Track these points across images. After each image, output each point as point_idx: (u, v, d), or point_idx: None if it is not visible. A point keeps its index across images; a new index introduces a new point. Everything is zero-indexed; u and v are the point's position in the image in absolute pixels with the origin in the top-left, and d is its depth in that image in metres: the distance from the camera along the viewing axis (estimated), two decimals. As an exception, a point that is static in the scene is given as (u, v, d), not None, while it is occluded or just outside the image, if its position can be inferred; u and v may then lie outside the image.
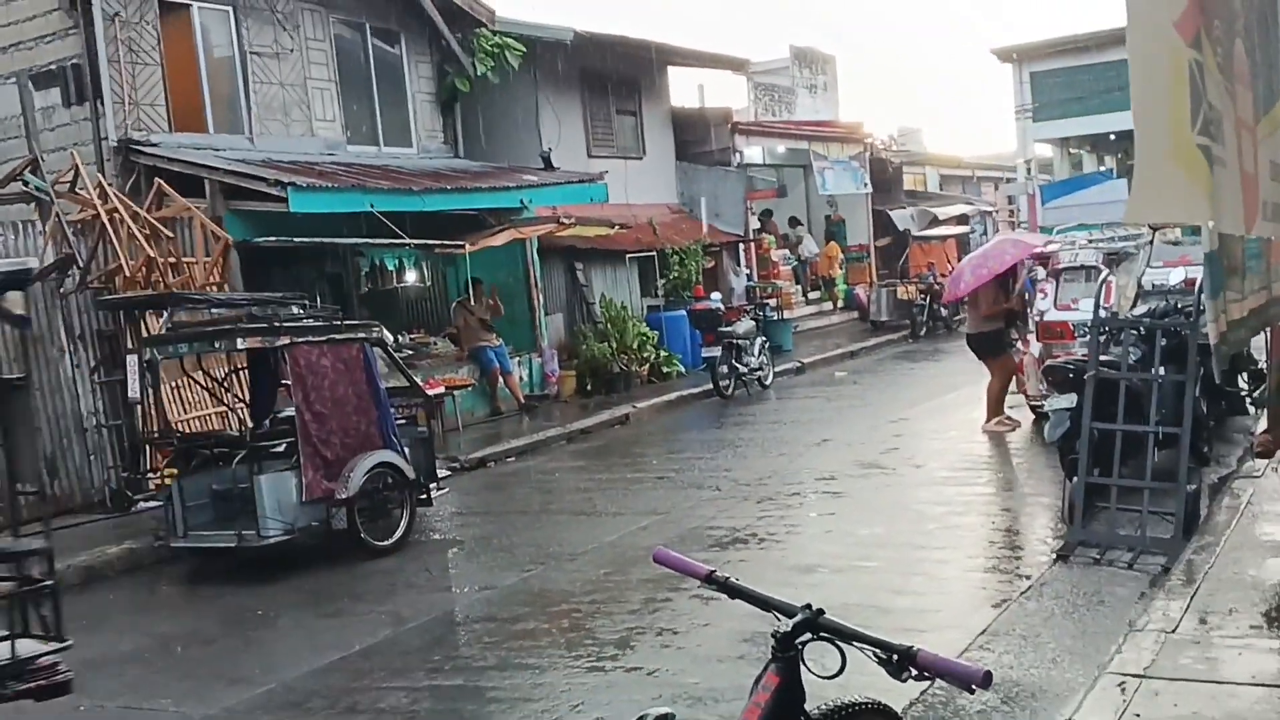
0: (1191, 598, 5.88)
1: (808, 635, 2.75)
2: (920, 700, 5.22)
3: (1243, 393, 10.46)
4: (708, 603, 7.11)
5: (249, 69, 15.00)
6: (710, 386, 16.72)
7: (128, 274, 11.56)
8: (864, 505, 9.67)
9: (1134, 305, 10.09)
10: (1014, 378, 12.37)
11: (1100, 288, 8.67)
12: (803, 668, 2.76)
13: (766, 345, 18.13)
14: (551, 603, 7.72)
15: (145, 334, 11.06)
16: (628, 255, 19.95)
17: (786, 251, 26.47)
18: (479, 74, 17.48)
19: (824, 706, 2.89)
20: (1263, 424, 8.95)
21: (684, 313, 19.02)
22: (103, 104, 13.30)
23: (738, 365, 16.97)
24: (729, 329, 17.04)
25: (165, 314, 10.94)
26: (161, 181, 12.69)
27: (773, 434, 13.74)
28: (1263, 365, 8.92)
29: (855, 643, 2.71)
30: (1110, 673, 5.03)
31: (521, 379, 16.91)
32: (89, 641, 7.85)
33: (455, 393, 14.85)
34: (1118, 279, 9.44)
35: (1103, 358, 7.84)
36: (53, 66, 13.57)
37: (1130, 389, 7.68)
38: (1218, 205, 3.95)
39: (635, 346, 18.10)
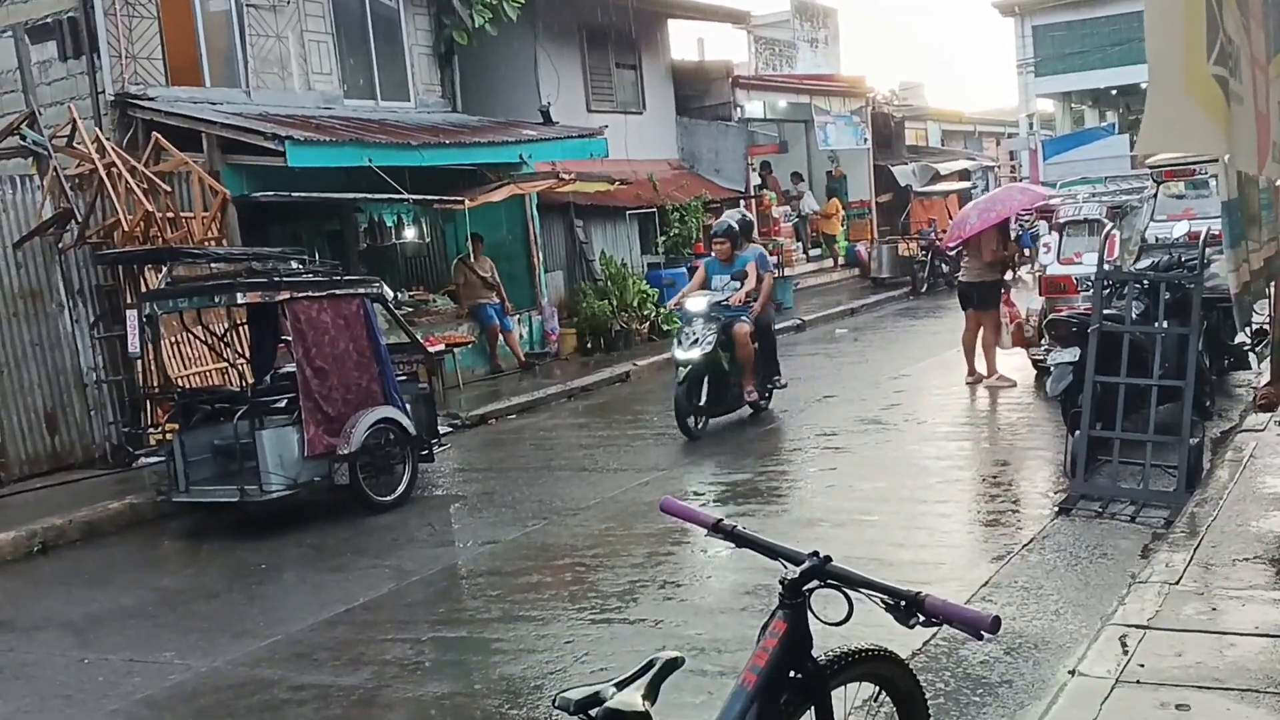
0: (1194, 550, 5.88)
1: (815, 582, 2.75)
2: (923, 651, 5.24)
3: (1245, 347, 10.43)
4: (710, 556, 7.13)
5: (245, 22, 14.87)
6: (710, 343, 16.68)
7: (126, 229, 11.50)
8: (865, 460, 9.68)
9: (1137, 259, 10.06)
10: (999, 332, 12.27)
11: (1104, 241, 8.61)
12: (810, 615, 2.76)
13: (767, 302, 18.05)
14: (554, 556, 7.74)
15: (144, 289, 11.02)
16: (628, 212, 19.86)
17: (788, 208, 26.36)
18: (477, 26, 17.30)
19: (831, 653, 2.89)
20: (1265, 378, 8.94)
21: (684, 270, 18.93)
22: (99, 58, 13.20)
23: (738, 322, 16.90)
24: (730, 286, 16.95)
25: (164, 269, 10.89)
26: (159, 135, 12.60)
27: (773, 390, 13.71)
28: (1265, 319, 8.88)
29: (862, 590, 2.70)
30: (1114, 624, 5.04)
31: (521, 337, 16.88)
32: (92, 596, 7.93)
33: (455, 350, 14.82)
34: (1121, 233, 9.39)
35: (1106, 312, 7.81)
36: (49, 20, 13.45)
37: (1133, 343, 7.65)
38: (1234, 140, 3.89)
39: (635, 304, 18.05)
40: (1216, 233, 7.25)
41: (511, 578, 7.32)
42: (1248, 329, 10.22)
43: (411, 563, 7.95)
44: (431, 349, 12.43)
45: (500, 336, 16.24)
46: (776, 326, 18.15)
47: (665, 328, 18.59)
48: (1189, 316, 7.47)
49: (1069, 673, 4.66)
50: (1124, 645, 4.77)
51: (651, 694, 2.45)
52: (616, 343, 17.55)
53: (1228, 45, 3.81)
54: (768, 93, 25.84)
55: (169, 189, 12.13)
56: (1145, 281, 8.36)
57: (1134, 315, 7.96)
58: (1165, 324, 7.78)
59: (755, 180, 24.64)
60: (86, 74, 13.25)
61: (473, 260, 16.16)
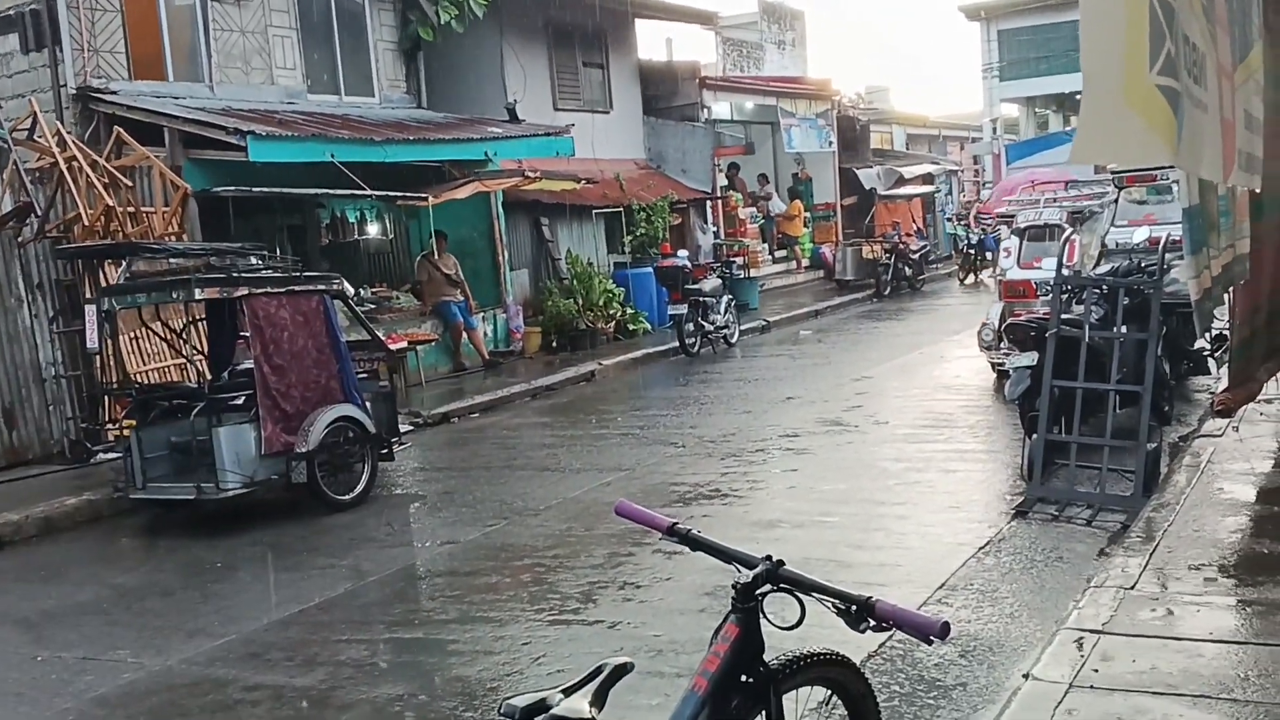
0: (1150, 555, 5.93)
1: (767, 587, 2.74)
2: (879, 653, 5.25)
3: (1205, 352, 10.54)
4: (670, 557, 7.12)
5: (209, 16, 14.75)
6: (676, 344, 16.73)
7: (86, 223, 11.38)
8: (826, 462, 9.70)
9: (1097, 264, 10.14)
10: None
11: (1063, 246, 8.67)
12: (763, 619, 2.75)
13: (733, 303, 18.13)
14: (514, 557, 7.70)
15: (104, 284, 10.90)
16: (594, 211, 19.83)
17: (754, 209, 26.41)
18: (443, 22, 17.22)
19: (783, 657, 2.88)
20: (1224, 383, 9.03)
21: (650, 270, 18.95)
22: (61, 51, 13.06)
23: (704, 323, 16.96)
24: (695, 287, 16.99)
25: (124, 264, 10.78)
26: (120, 130, 12.48)
27: (737, 391, 13.75)
28: (1225, 325, 8.97)
29: (814, 594, 2.70)
30: (1068, 628, 5.07)
31: (486, 335, 16.82)
32: (47, 592, 7.83)
33: (418, 348, 14.76)
34: (1082, 237, 9.46)
35: (1064, 316, 7.86)
36: (11, 12, 13.31)
37: (1091, 347, 7.70)
38: (1193, 150, 3.87)
39: (601, 303, 18.03)
40: (1176, 238, 7.31)
41: (470, 578, 7.29)
42: (1207, 334, 10.34)
43: (369, 563, 7.90)
44: (394, 346, 12.37)
45: (464, 334, 16.18)
46: (744, 326, 18.28)
47: (631, 327, 18.61)
48: (1148, 321, 7.53)
49: (1023, 676, 4.69)
50: (1078, 649, 4.80)
51: (599, 700, 2.44)
52: (582, 342, 17.52)
53: (1189, 53, 3.81)
54: (735, 94, 25.88)
55: (130, 183, 12.02)
56: (1104, 286, 8.41)
57: (1093, 320, 8.01)
58: (1124, 329, 7.83)
59: (722, 181, 24.67)
60: (48, 67, 13.11)
61: (436, 257, 16.08)
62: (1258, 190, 6.15)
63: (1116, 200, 11.34)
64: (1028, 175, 12.22)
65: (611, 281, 18.74)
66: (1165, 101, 3.53)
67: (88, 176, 11.43)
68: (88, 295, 11.07)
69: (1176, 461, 7.94)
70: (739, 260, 22.35)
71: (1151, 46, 3.43)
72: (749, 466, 9.76)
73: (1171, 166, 7.17)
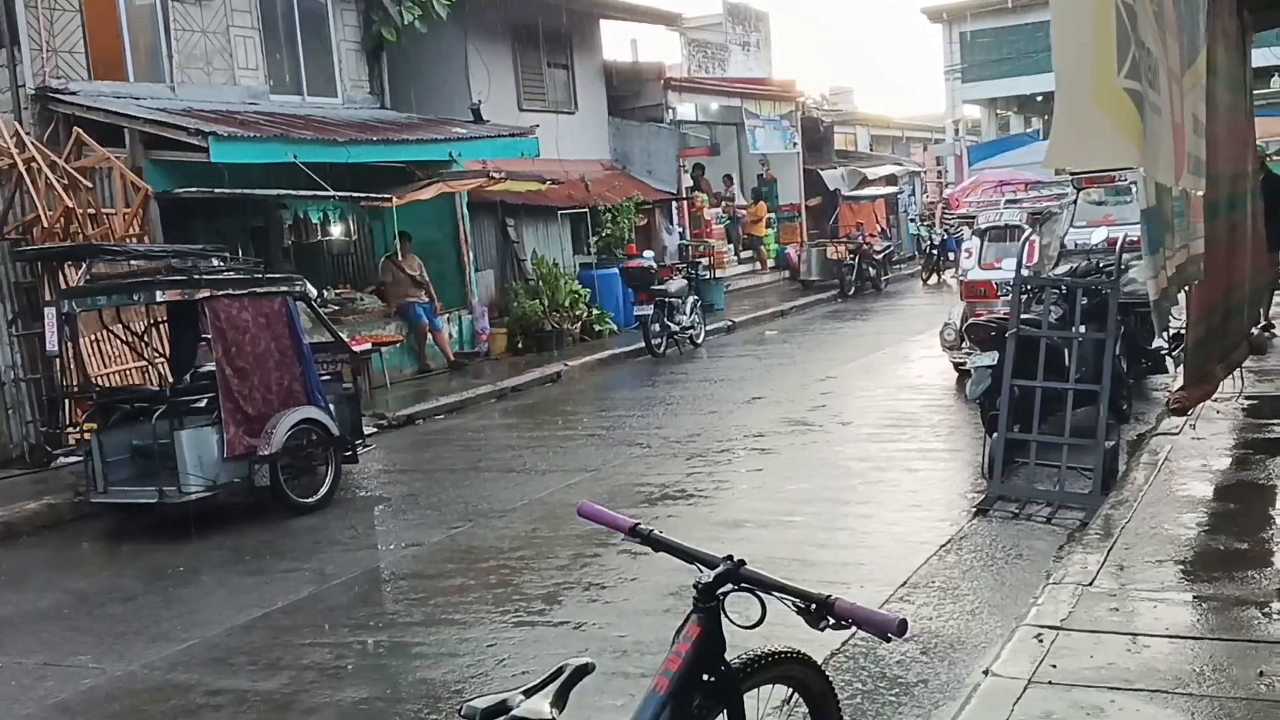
0: (1108, 552, 6.00)
1: (729, 586, 2.76)
2: (842, 651, 5.29)
3: (1163, 351, 10.67)
4: (635, 558, 7.13)
5: (170, 16, 14.62)
6: (642, 345, 16.75)
7: (46, 225, 11.28)
8: (791, 462, 9.75)
9: (1056, 264, 10.25)
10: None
11: (1023, 247, 8.76)
12: (724, 618, 2.77)
13: (698, 304, 18.18)
14: (479, 559, 7.70)
15: (64, 286, 10.80)
16: (560, 212, 19.82)
17: (719, 210, 26.49)
18: (406, 22, 17.15)
19: (744, 656, 2.91)
20: (1180, 382, 9.14)
21: (616, 270, 18.95)
22: (20, 51, 12.90)
23: (670, 324, 17.00)
24: (661, 287, 17.02)
25: (84, 266, 10.68)
26: (80, 131, 12.37)
27: (703, 392, 13.80)
28: (1183, 324, 9.09)
29: (775, 593, 2.72)
30: (1028, 624, 5.12)
31: (451, 336, 16.78)
32: (6, 598, 7.75)
33: (383, 349, 14.71)
34: (1041, 238, 9.56)
35: (1024, 316, 7.94)
36: (-33, 12, 13.12)
37: (1051, 347, 7.79)
38: (1152, 152, 3.93)
39: (567, 304, 18.03)
40: (1134, 239, 7.39)
41: (435, 581, 7.28)
42: (1165, 333, 10.47)
43: (333, 566, 7.87)
44: (358, 348, 12.32)
45: (429, 335, 16.13)
46: (710, 327, 18.33)
47: (597, 328, 18.62)
48: (1106, 321, 7.62)
49: (984, 673, 4.74)
50: (1038, 645, 4.85)
51: (560, 701, 2.45)
52: (548, 343, 17.51)
53: (1145, 58, 3.86)
54: (700, 95, 25.94)
55: (90, 185, 11.92)
56: (1063, 286, 8.50)
57: (1052, 320, 8.10)
58: (1082, 329, 7.92)
59: (687, 182, 24.73)
60: (6, 67, 12.94)
61: (401, 258, 16.03)
62: (1201, 193, 6.24)
63: (1075, 201, 11.47)
64: (995, 176, 12.34)
65: (577, 282, 18.73)
66: (1132, 104, 3.57)
67: (47, 178, 11.33)
68: (47, 298, 10.97)
69: (1134, 459, 8.03)
70: (705, 261, 22.41)
71: (1119, 51, 3.48)
72: (714, 466, 9.80)
73: (1132, 169, 7.26)
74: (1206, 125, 6.59)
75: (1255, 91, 10.29)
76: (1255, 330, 10.20)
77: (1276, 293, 11.77)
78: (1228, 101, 7.14)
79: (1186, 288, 7.10)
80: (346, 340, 11.45)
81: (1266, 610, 5.10)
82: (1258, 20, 8.91)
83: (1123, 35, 3.54)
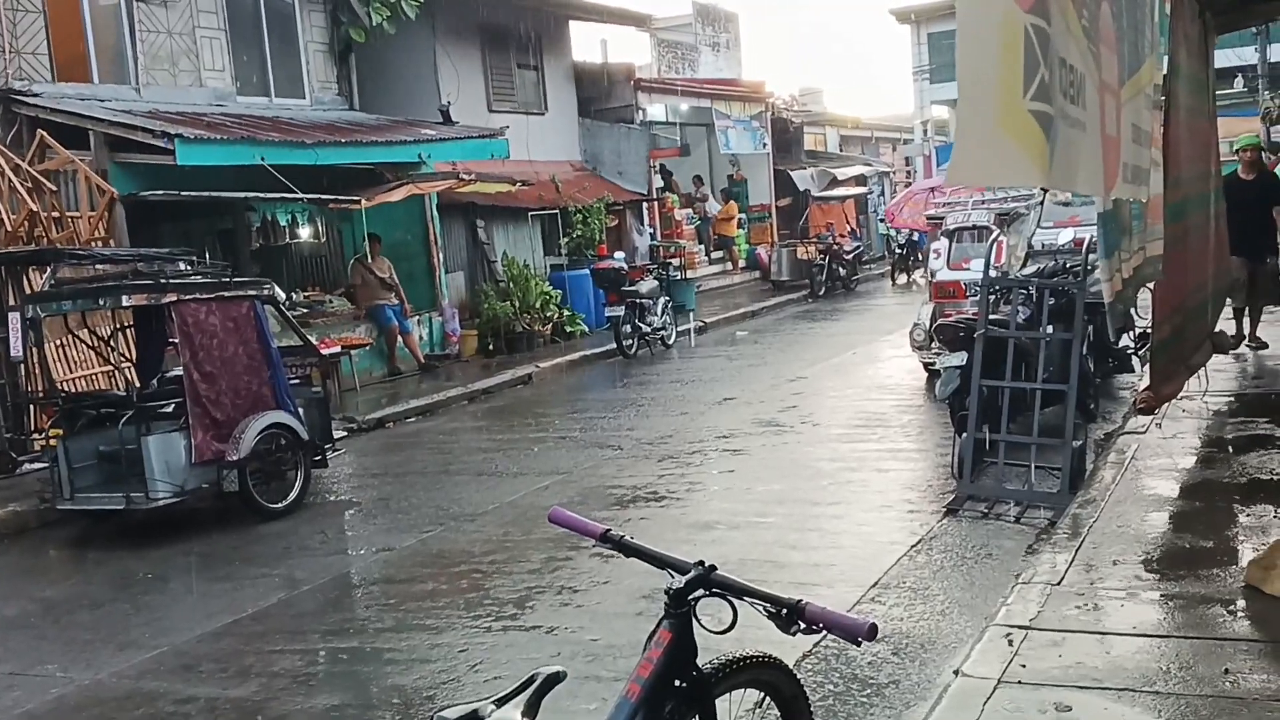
0: (1077, 551, 6.04)
1: (700, 591, 2.76)
2: (813, 653, 5.30)
3: (1129, 350, 10.78)
4: (607, 561, 7.12)
5: (135, 17, 14.51)
6: (613, 346, 16.75)
7: (9, 229, 11.16)
8: (762, 463, 9.77)
9: (1024, 265, 10.31)
10: None
11: (991, 248, 8.82)
12: (696, 623, 2.78)
13: (669, 305, 18.17)
14: (450, 563, 7.67)
15: (28, 290, 10.68)
16: (530, 213, 19.80)
17: (690, 211, 26.53)
18: (374, 24, 17.09)
19: (715, 661, 2.91)
20: (1146, 381, 9.23)
21: (587, 272, 18.93)
22: (-20, 52, 12.76)
23: (641, 325, 17.00)
24: (632, 288, 17.02)
25: (49, 270, 10.56)
26: (44, 133, 12.25)
27: (675, 393, 13.81)
28: (1148, 323, 9.17)
29: (745, 598, 2.73)
30: (997, 624, 5.15)
31: (421, 338, 16.73)
32: (-31, 608, 7.65)
33: (352, 352, 14.64)
34: (1008, 239, 9.61)
35: (992, 317, 7.99)
36: (-73, 13, 12.98)
37: (1019, 347, 7.84)
38: (1067, 169, 4.01)
39: (538, 306, 18.01)
40: (1100, 239, 7.46)
41: (406, 586, 7.25)
42: (1132, 333, 10.57)
43: (302, 571, 7.82)
44: (327, 351, 12.26)
45: (399, 338, 16.07)
46: (681, 328, 18.34)
47: (568, 329, 18.60)
48: (1073, 321, 7.68)
49: (954, 673, 4.77)
50: (1008, 645, 4.89)
51: (531, 710, 2.44)
52: (519, 344, 17.49)
53: (1064, 74, 3.93)
54: (669, 96, 25.96)
55: (54, 188, 11.81)
56: (1031, 287, 8.56)
57: (1020, 320, 8.16)
58: (1050, 329, 7.98)
59: (658, 182, 24.74)
60: (-33, 68, 12.82)
61: (370, 260, 15.96)
62: (1145, 200, 6.31)
63: (1042, 202, 11.55)
64: (924, 184, 12.45)
65: (548, 284, 18.72)
66: (1038, 125, 3.64)
67: (10, 181, 11.21)
68: (11, 303, 10.85)
69: (1102, 458, 8.10)
70: (675, 261, 22.43)
71: (1025, 74, 3.54)
72: (686, 468, 9.81)
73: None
74: (1166, 129, 6.66)
75: (1218, 93, 10.41)
76: (1222, 333, 10.31)
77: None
78: (1189, 104, 7.22)
79: (1146, 287, 7.18)
80: (315, 343, 11.38)
81: (1231, 608, 5.15)
82: (1219, 24, 9.02)
83: (1030, 58, 3.60)
